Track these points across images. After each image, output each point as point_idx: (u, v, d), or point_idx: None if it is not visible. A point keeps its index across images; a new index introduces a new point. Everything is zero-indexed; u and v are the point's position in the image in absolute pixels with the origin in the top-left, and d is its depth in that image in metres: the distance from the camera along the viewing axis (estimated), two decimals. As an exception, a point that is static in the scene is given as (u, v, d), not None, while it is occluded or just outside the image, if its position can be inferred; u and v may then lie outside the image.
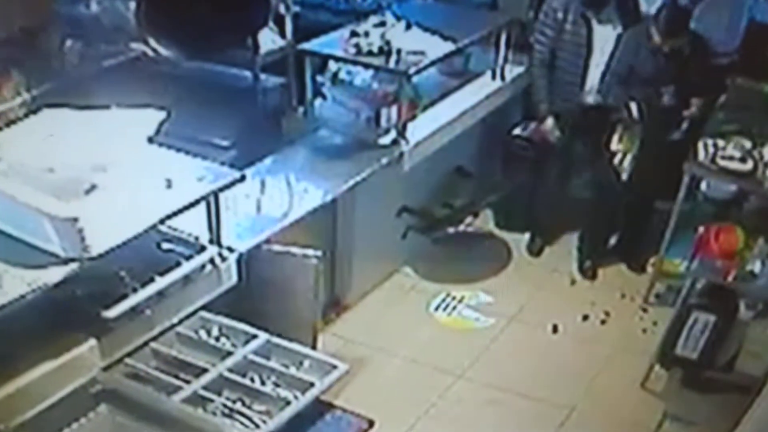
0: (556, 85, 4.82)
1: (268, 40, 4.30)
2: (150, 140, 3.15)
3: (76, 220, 2.76)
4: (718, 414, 3.68)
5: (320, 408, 3.48)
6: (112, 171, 2.95)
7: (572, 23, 4.70)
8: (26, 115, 3.23)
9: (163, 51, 3.26)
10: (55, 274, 2.81)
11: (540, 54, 4.81)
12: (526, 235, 5.29)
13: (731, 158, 4.22)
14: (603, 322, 4.73)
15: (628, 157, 4.70)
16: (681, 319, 3.99)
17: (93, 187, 2.90)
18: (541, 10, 4.81)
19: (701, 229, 4.16)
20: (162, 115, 3.16)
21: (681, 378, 4.04)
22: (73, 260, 2.83)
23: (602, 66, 4.72)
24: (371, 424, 3.76)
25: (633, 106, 4.59)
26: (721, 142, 4.28)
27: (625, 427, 4.02)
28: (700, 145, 4.29)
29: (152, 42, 3.22)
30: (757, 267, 3.91)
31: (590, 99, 4.80)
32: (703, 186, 4.62)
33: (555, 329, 4.66)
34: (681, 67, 4.48)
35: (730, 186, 4.50)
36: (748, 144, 4.25)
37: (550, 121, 4.87)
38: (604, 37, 4.71)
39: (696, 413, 3.85)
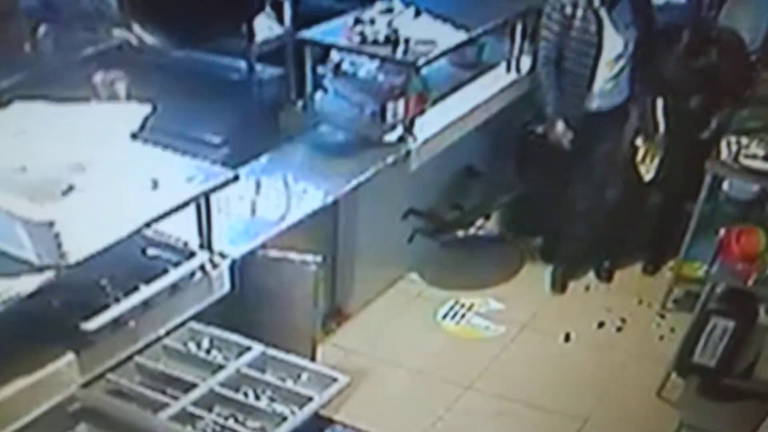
0: (563, 86, 4.61)
1: (265, 27, 4.17)
2: (134, 136, 2.99)
3: (51, 224, 2.59)
4: (735, 423, 3.70)
5: (319, 423, 3.35)
6: (92, 170, 2.79)
7: (581, 19, 4.49)
8: (-5, 109, 3.08)
9: (148, 38, 3.12)
10: (28, 284, 2.64)
11: (545, 51, 4.60)
12: (540, 239, 5.20)
13: (754, 157, 4.13)
14: (619, 329, 4.69)
15: (653, 161, 4.66)
16: (699, 326, 3.98)
17: (70, 188, 2.73)
18: (547, 3, 4.60)
19: (722, 232, 4.07)
20: (147, 109, 3.00)
21: (697, 386, 4.03)
22: (48, 268, 2.66)
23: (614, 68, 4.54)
24: (374, 440, 3.67)
25: (659, 105, 4.55)
26: (744, 140, 4.18)
27: (640, 438, 3.97)
28: (723, 143, 4.21)
29: (137, 28, 3.08)
30: (778, 271, 3.83)
31: (597, 104, 4.61)
32: (726, 186, 4.51)
33: (568, 337, 4.61)
34: (709, 76, 4.44)
35: (753, 186, 4.39)
36: (772, 142, 4.16)
37: (560, 125, 4.64)
38: (616, 37, 4.51)
39: (712, 422, 3.85)
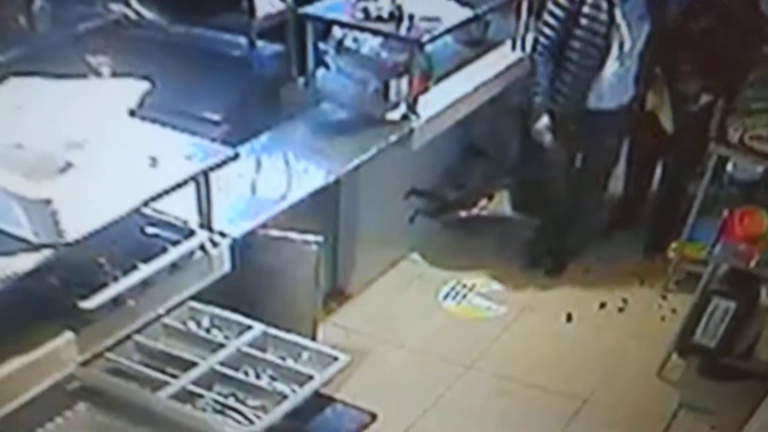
0: (560, 78, 4.45)
1: (266, 2, 4.10)
2: (132, 113, 2.95)
3: (49, 202, 2.56)
4: (735, 402, 3.72)
5: (320, 402, 3.35)
6: (90, 148, 2.75)
7: (591, 6, 4.31)
8: (-9, 85, 3.03)
9: (147, 13, 3.05)
10: (26, 262, 2.61)
11: (547, 40, 4.42)
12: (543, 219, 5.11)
13: (759, 138, 4.10)
14: (621, 309, 4.69)
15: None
16: (700, 306, 4.01)
17: (68, 166, 2.70)
18: None
19: (726, 213, 4.09)
20: (145, 85, 2.97)
21: (698, 366, 4.07)
22: (46, 246, 2.63)
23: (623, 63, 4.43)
24: (374, 417, 3.60)
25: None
26: (749, 121, 4.16)
27: (639, 418, 3.99)
28: (729, 123, 4.19)
29: (135, 3, 3.00)
30: (781, 252, 3.84)
31: (601, 102, 4.46)
32: (729, 167, 4.48)
33: (570, 318, 4.61)
34: (707, 46, 4.38)
35: (757, 167, 4.36)
36: (777, 123, 4.13)
37: (545, 120, 4.48)
38: (626, 29, 4.36)
39: (712, 402, 3.91)
